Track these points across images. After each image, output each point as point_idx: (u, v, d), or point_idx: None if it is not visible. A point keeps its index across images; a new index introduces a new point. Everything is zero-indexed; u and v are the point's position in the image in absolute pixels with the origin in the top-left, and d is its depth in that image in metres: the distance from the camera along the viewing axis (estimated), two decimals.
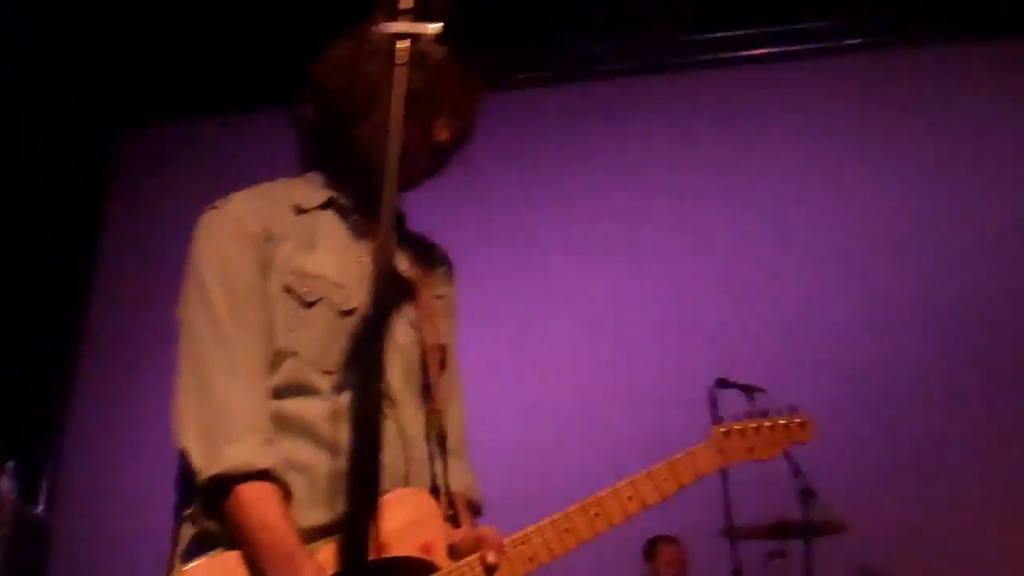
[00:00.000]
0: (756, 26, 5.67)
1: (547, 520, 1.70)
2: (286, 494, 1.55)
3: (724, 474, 3.76)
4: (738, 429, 2.08)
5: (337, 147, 1.77)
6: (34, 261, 5.05)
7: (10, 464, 3.72)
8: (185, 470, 1.56)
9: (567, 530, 1.70)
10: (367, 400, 1.20)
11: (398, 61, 1.25)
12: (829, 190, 5.45)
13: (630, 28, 5.65)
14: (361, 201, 1.79)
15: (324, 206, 1.77)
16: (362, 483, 1.13)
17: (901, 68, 5.55)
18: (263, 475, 1.52)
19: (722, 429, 2.08)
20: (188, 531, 1.58)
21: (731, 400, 4.05)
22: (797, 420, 2.15)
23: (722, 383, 4.16)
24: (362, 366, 1.41)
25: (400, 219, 1.88)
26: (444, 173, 1.85)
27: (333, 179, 1.80)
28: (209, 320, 1.62)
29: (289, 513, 1.53)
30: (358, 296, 1.69)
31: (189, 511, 1.58)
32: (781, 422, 2.13)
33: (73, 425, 5.53)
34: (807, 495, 3.95)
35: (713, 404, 4.01)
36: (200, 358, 1.60)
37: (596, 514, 1.73)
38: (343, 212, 1.78)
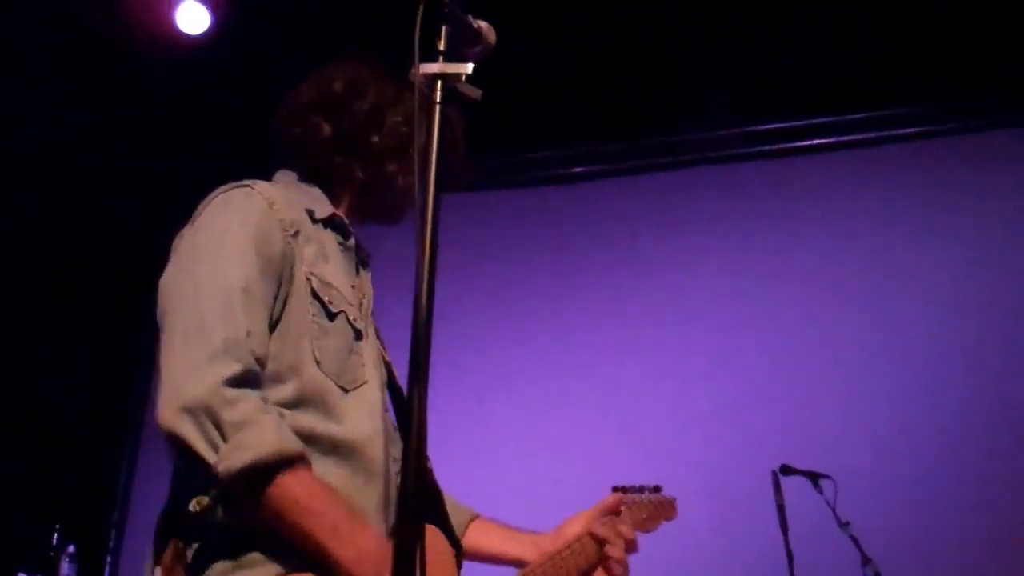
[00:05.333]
0: (803, 118, 5.75)
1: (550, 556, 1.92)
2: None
3: (790, 557, 3.68)
4: (637, 501, 2.20)
5: (346, 166, 1.75)
6: (94, 341, 5.09)
7: (71, 548, 3.72)
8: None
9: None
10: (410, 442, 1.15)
11: (437, 99, 1.30)
12: (880, 279, 5.41)
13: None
14: (353, 227, 1.76)
15: (327, 222, 1.71)
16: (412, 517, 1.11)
17: (953, 155, 5.56)
18: (301, 460, 1.39)
19: (626, 500, 2.20)
20: (198, 533, 1.39)
21: (794, 486, 3.98)
22: (669, 499, 2.28)
23: (785, 470, 4.08)
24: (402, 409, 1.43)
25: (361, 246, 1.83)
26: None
27: (331, 196, 1.76)
28: (230, 285, 1.46)
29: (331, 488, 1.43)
30: (360, 322, 1.65)
31: (198, 508, 1.37)
32: (660, 500, 2.25)
33: (135, 508, 5.50)
34: None
35: (777, 490, 3.95)
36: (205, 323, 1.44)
37: (575, 552, 1.96)
38: (341, 233, 1.73)
